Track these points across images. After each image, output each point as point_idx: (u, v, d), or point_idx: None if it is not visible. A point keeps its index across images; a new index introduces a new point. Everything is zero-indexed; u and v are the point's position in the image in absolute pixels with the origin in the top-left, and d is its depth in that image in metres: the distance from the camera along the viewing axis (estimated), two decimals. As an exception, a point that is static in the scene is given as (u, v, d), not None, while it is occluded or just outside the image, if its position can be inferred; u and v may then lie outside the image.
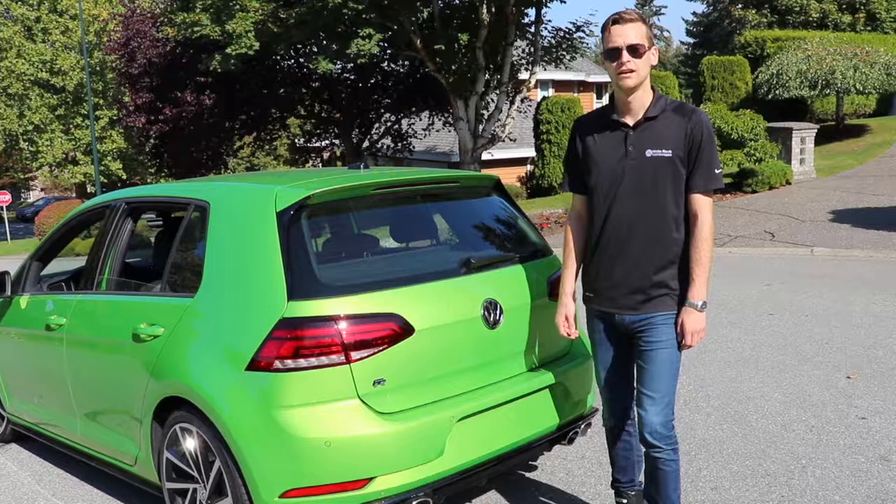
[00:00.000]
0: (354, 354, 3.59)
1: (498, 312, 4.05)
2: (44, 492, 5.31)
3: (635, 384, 3.79)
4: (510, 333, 4.13)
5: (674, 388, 3.68)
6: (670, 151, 3.51)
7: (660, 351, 3.62)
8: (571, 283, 3.93)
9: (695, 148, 3.52)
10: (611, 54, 3.51)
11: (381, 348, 3.64)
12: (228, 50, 18.59)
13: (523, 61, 22.30)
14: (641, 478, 4.02)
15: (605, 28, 3.56)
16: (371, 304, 3.69)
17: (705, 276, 3.55)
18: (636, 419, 3.86)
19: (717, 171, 3.56)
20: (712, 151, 3.55)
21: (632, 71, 3.47)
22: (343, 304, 3.64)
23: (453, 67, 19.15)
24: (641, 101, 3.57)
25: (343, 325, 3.59)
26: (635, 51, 3.46)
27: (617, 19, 3.52)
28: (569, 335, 3.95)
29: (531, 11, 20.24)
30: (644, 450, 3.77)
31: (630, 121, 3.59)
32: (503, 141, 21.87)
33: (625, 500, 4.11)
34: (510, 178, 29.15)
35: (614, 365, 3.88)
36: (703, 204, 3.55)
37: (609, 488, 4.57)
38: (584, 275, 3.87)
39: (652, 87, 3.62)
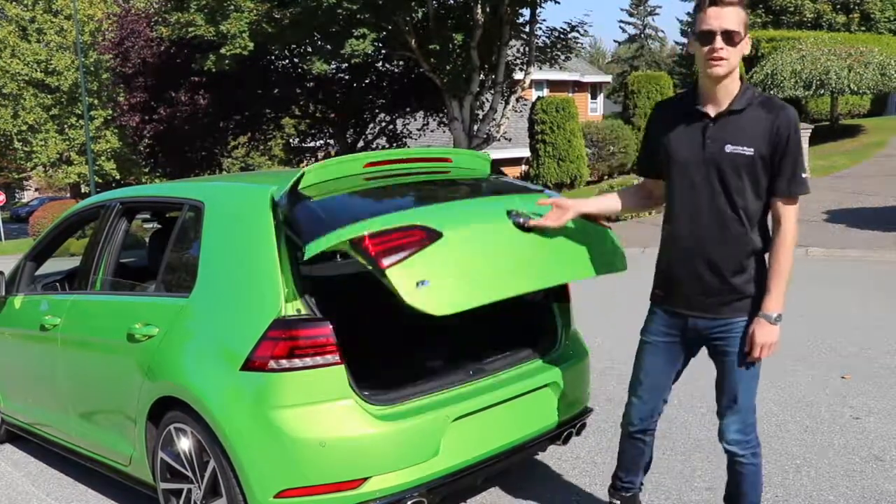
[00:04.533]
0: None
1: (524, 217, 3.90)
2: (38, 492, 5.30)
3: (715, 391, 3.62)
4: (542, 237, 3.95)
5: (754, 394, 3.54)
6: (752, 150, 3.28)
7: (736, 359, 3.46)
8: (594, 202, 3.91)
9: (780, 148, 3.27)
10: (703, 37, 3.25)
11: None
12: (223, 50, 18.59)
13: (518, 61, 22.32)
14: (642, 480, 4.00)
15: (699, 6, 3.29)
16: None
17: (783, 287, 3.35)
18: (657, 426, 3.84)
19: (803, 176, 3.32)
20: (798, 154, 3.31)
21: (723, 59, 3.23)
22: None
23: (448, 67, 19.16)
24: (727, 91, 3.33)
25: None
26: (730, 38, 3.20)
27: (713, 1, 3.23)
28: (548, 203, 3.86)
29: (526, 11, 20.27)
30: (725, 455, 3.67)
31: (712, 111, 3.36)
32: (498, 141, 21.90)
33: (617, 502, 4.05)
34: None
35: (659, 371, 3.73)
36: (785, 210, 3.33)
37: (603, 488, 4.57)
38: (656, 272, 3.70)
39: (740, 78, 3.37)
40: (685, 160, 3.41)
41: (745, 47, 3.29)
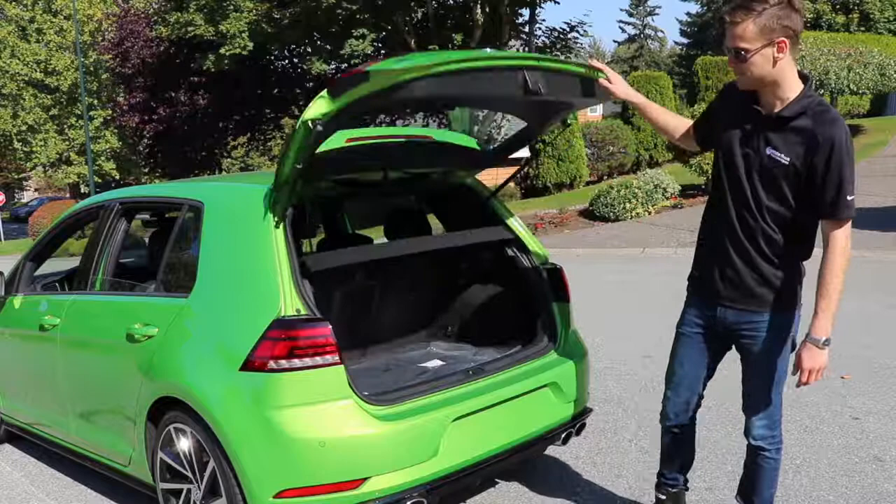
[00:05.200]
0: None
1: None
2: (37, 492, 5.30)
3: (742, 387, 3.67)
4: None
5: (780, 391, 3.56)
6: (788, 159, 3.25)
7: (763, 356, 3.49)
8: (640, 97, 3.85)
9: (820, 165, 3.20)
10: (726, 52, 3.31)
11: None
12: (222, 50, 18.64)
13: (518, 61, 22.30)
14: (687, 477, 4.01)
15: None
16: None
17: (832, 311, 3.29)
18: (696, 419, 3.87)
19: (848, 199, 3.22)
20: (844, 173, 3.20)
21: (740, 74, 3.28)
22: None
23: (448, 68, 19.13)
24: (778, 96, 3.28)
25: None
26: (739, 55, 3.20)
27: (722, 18, 3.25)
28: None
29: (525, 11, 20.28)
30: (747, 449, 3.71)
31: (764, 111, 3.33)
32: (499, 142, 21.89)
33: (663, 497, 4.04)
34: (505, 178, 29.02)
35: (692, 363, 3.75)
36: (832, 232, 3.26)
37: (602, 489, 4.59)
38: (694, 258, 3.70)
39: (804, 79, 3.30)
40: (730, 151, 3.43)
41: (770, 56, 3.19)
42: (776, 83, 3.25)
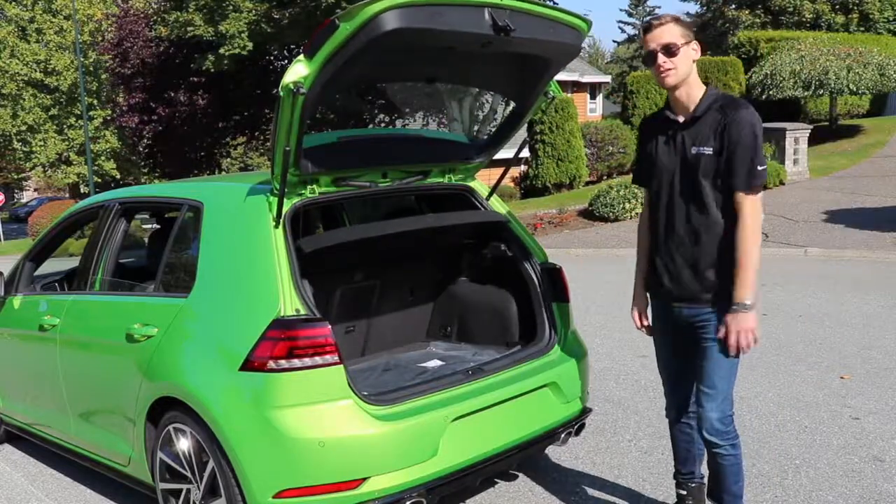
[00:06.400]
0: None
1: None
2: (37, 492, 5.30)
3: (695, 379, 3.76)
4: None
5: (731, 383, 3.66)
6: (711, 149, 3.51)
7: (712, 346, 3.60)
8: (641, 280, 4.00)
9: (730, 146, 3.46)
10: (648, 59, 3.56)
11: None
12: (221, 50, 18.62)
13: (518, 61, 22.27)
14: (703, 470, 4.03)
15: (640, 38, 3.63)
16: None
17: (748, 276, 3.46)
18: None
19: (759, 168, 3.46)
20: (750, 150, 3.45)
21: (669, 69, 3.51)
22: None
23: (447, 67, 19.13)
24: (689, 97, 3.59)
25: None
26: (669, 50, 3.49)
27: (647, 27, 3.57)
28: (641, 327, 4.03)
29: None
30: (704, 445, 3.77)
31: (681, 118, 3.62)
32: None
33: (684, 492, 4.08)
34: (504, 178, 28.98)
35: (673, 358, 3.91)
36: (743, 204, 3.48)
37: (602, 489, 4.58)
38: (651, 265, 3.88)
39: (707, 83, 3.63)
40: (663, 164, 3.69)
41: (691, 54, 3.55)
42: (689, 84, 3.57)
